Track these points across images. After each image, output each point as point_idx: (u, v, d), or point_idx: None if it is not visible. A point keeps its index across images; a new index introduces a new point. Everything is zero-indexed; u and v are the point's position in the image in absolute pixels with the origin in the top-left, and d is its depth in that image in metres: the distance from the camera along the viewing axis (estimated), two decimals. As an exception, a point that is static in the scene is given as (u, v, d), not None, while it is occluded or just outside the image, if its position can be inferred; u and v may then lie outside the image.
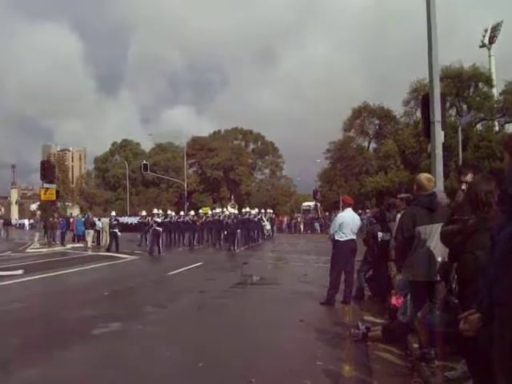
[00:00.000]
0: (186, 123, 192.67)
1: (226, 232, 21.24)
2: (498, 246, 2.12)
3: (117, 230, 20.35)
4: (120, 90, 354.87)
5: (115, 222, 21.01)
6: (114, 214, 22.89)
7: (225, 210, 24.86)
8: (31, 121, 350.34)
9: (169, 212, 24.85)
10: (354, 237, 7.90)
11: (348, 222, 7.85)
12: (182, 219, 23.62)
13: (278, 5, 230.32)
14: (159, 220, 20.24)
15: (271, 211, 33.24)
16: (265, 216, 28.43)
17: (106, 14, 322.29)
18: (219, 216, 22.58)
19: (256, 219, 24.72)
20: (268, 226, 28.37)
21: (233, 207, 30.03)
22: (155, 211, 21.53)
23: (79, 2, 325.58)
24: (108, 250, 19.50)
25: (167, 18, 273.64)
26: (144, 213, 23.92)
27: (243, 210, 25.36)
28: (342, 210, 8.32)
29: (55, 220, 25.77)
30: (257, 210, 27.56)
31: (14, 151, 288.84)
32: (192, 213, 25.06)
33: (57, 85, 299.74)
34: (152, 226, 19.39)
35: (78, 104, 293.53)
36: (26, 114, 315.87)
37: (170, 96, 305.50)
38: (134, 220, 37.07)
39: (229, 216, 21.48)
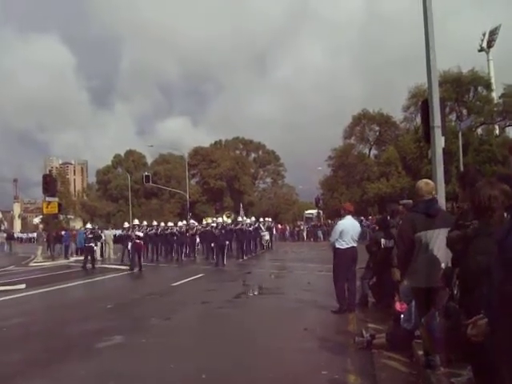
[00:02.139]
0: (184, 133, 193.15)
1: (212, 244, 19.28)
2: (505, 252, 2.09)
3: (93, 245, 18.24)
4: (116, 102, 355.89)
5: (90, 236, 18.56)
6: (89, 226, 20.60)
7: (219, 219, 22.31)
8: (27, 134, 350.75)
9: (154, 223, 23.17)
10: (355, 244, 7.87)
11: (348, 229, 7.81)
12: (169, 230, 21.68)
13: (273, 11, 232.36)
14: (140, 234, 17.58)
15: (270, 219, 31.06)
16: (263, 225, 26.67)
17: (98, 25, 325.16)
18: (211, 227, 20.13)
19: (251, 228, 22.95)
20: (267, 236, 26.70)
21: (228, 216, 28.85)
22: (136, 222, 19.56)
23: (71, 15, 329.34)
24: (84, 267, 17.38)
25: (160, 27, 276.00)
26: (126, 224, 21.66)
27: (238, 219, 23.67)
28: (342, 217, 8.27)
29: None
30: (253, 218, 26.13)
31: (13, 165, 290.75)
32: (180, 223, 23.23)
33: (51, 98, 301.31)
34: (133, 238, 17.28)
35: (75, 116, 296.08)
36: (22, 128, 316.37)
37: (167, 106, 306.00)
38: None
39: (216, 226, 19.09)
